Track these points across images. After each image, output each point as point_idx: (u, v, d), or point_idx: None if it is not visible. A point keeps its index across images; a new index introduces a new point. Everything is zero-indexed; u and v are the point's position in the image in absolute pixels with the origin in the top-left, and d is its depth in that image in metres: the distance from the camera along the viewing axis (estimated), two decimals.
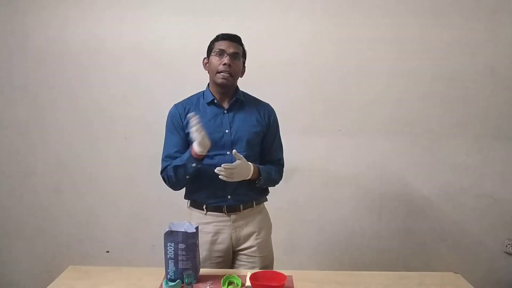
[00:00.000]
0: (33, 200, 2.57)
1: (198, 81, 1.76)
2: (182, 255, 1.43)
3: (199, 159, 1.54)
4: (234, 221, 1.67)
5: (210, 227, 1.67)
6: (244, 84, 1.74)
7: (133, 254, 2.58)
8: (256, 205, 1.72)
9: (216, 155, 1.61)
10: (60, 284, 1.52)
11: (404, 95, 2.48)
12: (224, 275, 1.49)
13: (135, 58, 2.44)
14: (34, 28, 2.44)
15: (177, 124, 1.67)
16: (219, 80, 1.62)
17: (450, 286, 1.55)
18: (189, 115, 1.50)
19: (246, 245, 1.70)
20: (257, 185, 1.65)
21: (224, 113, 1.67)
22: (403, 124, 2.50)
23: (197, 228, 1.48)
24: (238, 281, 1.46)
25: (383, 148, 2.52)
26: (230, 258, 1.72)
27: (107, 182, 2.55)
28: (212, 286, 1.46)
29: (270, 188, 1.80)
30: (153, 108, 2.38)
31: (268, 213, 1.81)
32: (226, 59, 1.60)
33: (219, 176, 1.52)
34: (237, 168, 1.53)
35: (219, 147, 1.62)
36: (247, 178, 1.59)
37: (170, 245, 1.43)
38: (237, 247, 1.70)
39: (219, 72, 1.61)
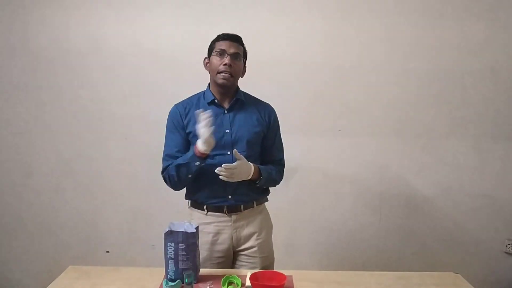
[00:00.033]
0: (33, 200, 2.57)
1: (199, 81, 1.75)
2: (182, 255, 1.43)
3: (203, 157, 1.54)
4: (235, 221, 1.67)
5: (210, 227, 1.67)
6: (244, 84, 1.74)
7: (133, 254, 2.58)
8: (256, 205, 1.71)
9: (216, 155, 1.61)
10: (60, 284, 1.52)
11: (404, 95, 2.48)
12: (224, 275, 1.49)
13: (135, 58, 2.44)
14: (35, 28, 2.44)
15: (177, 123, 1.67)
16: (220, 80, 1.62)
17: (450, 286, 1.55)
18: (197, 111, 1.51)
19: (246, 246, 1.69)
20: (258, 185, 1.65)
21: (224, 113, 1.67)
22: (403, 124, 2.50)
23: (197, 228, 1.48)
24: (238, 281, 1.46)
25: (383, 148, 2.52)
26: (230, 258, 1.72)
27: (107, 182, 2.55)
28: (212, 286, 1.46)
29: (270, 188, 1.79)
30: (154, 108, 2.38)
31: (268, 213, 1.81)
32: (227, 59, 1.60)
33: (220, 176, 1.52)
34: (238, 168, 1.53)
35: (220, 147, 1.61)
36: (248, 178, 1.59)
37: (170, 245, 1.43)
38: (238, 247, 1.70)
39: (219, 72, 1.61)
